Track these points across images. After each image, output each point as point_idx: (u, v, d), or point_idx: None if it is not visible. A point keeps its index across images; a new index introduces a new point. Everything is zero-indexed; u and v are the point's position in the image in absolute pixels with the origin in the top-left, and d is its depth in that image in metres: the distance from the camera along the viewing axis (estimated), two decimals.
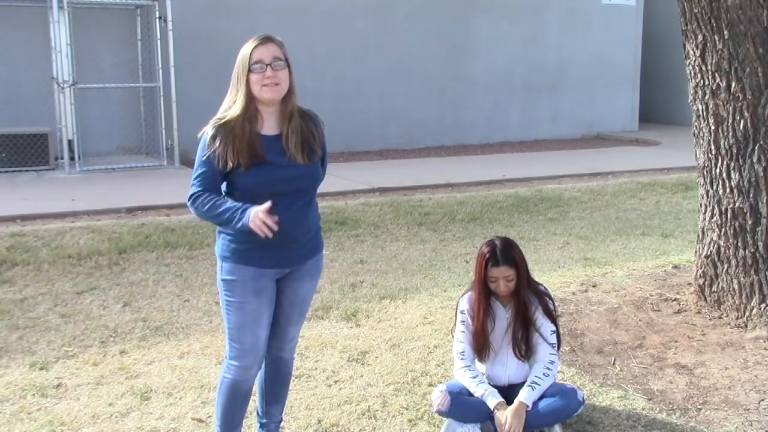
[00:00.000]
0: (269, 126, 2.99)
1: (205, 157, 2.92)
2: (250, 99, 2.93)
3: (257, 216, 2.80)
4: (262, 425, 3.36)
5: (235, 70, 2.95)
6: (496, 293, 3.50)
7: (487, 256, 3.42)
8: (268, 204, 2.82)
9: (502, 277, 3.42)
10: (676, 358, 4.29)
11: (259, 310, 3.03)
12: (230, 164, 2.89)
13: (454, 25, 14.18)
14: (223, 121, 2.94)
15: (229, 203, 2.90)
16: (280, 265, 3.04)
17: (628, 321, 4.84)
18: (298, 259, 3.07)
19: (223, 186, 3.02)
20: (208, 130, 2.95)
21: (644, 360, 4.28)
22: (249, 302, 3.01)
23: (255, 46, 2.90)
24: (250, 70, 2.89)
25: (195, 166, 2.97)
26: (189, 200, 2.96)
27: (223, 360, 3.15)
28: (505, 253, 3.42)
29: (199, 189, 2.94)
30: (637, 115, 16.75)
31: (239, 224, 2.85)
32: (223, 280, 3.04)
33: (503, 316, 3.53)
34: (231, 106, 2.96)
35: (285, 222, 2.91)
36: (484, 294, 3.49)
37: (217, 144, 2.90)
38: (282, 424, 3.43)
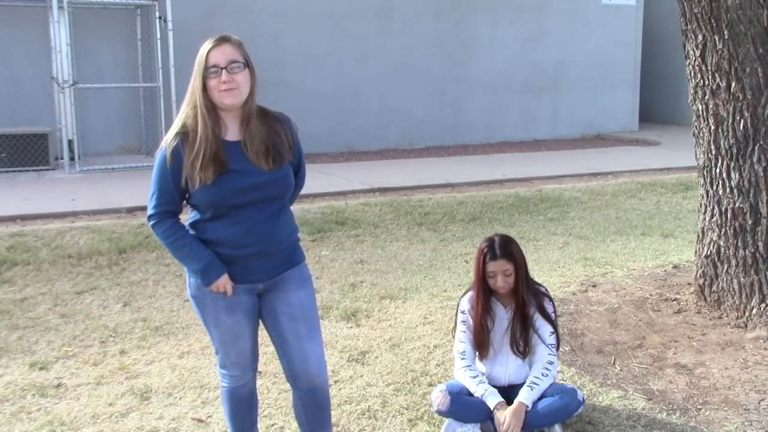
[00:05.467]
0: (233, 131, 2.76)
1: (164, 173, 2.71)
2: (211, 106, 2.70)
3: (218, 286, 2.75)
4: None
5: (192, 75, 2.71)
6: (496, 291, 3.50)
7: (485, 250, 3.44)
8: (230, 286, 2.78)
9: (500, 272, 3.42)
10: (676, 358, 4.29)
11: (236, 326, 2.85)
12: (198, 182, 2.67)
13: (454, 26, 14.18)
14: (183, 132, 2.71)
15: (193, 248, 2.75)
16: (249, 280, 2.82)
17: (628, 321, 4.84)
18: (269, 272, 2.84)
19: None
20: (168, 144, 2.71)
21: (644, 360, 4.28)
22: (224, 320, 2.84)
23: (210, 49, 2.68)
24: (205, 76, 2.67)
25: (153, 182, 2.74)
26: (150, 221, 2.78)
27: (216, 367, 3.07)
28: (503, 247, 3.43)
29: (158, 210, 2.75)
30: (637, 115, 16.75)
31: (197, 275, 2.77)
32: (192, 296, 2.87)
33: (503, 316, 3.54)
34: (189, 115, 2.73)
35: (251, 234, 2.74)
36: (483, 290, 3.49)
37: (181, 160, 2.68)
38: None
